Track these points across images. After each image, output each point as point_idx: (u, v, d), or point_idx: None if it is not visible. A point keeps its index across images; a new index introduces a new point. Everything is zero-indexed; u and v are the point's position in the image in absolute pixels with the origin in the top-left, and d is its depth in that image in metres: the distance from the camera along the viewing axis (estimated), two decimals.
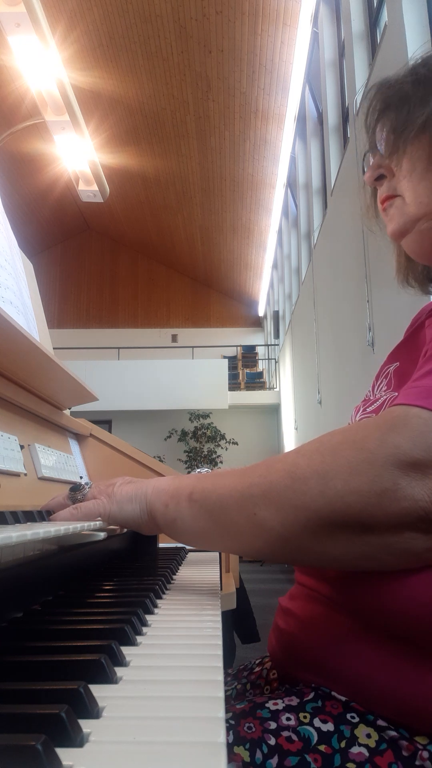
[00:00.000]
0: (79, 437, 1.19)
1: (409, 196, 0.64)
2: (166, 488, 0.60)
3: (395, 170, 0.65)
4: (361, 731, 0.50)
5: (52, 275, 16.49)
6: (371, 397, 0.71)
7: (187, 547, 1.14)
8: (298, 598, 0.64)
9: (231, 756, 0.49)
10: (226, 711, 0.55)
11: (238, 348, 15.97)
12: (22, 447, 0.76)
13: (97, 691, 0.30)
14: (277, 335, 13.36)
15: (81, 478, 1.02)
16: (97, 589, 0.63)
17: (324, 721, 0.51)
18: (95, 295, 17.04)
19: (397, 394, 0.64)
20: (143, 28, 8.99)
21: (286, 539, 0.48)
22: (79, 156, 3.38)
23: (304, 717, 0.52)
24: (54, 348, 1.15)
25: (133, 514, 0.61)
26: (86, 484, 0.69)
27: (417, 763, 0.47)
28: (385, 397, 0.66)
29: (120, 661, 0.36)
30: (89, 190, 3.64)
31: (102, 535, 0.68)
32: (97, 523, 0.63)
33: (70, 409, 1.16)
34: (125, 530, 0.82)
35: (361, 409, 0.70)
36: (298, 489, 0.47)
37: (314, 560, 0.52)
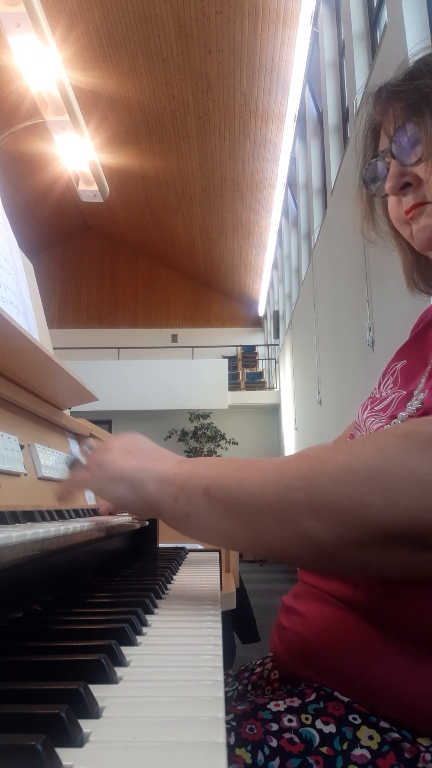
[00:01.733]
0: (79, 437, 1.19)
1: None
2: (171, 477, 0.53)
3: (424, 178, 0.62)
4: (364, 733, 0.49)
5: (52, 275, 16.49)
6: (377, 395, 0.71)
7: (188, 547, 1.14)
8: (302, 596, 0.64)
9: (233, 758, 0.49)
10: (228, 712, 0.55)
11: (238, 348, 15.96)
12: (22, 447, 0.76)
13: (97, 691, 0.30)
14: (277, 335, 13.35)
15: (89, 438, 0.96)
16: (97, 589, 0.63)
17: (326, 723, 0.51)
18: (95, 295, 17.04)
19: (405, 392, 0.64)
20: (143, 28, 8.99)
21: (334, 552, 0.44)
22: (79, 156, 3.38)
23: (306, 718, 0.52)
24: (54, 348, 1.15)
25: (121, 496, 0.55)
26: (88, 447, 0.64)
27: (419, 765, 0.47)
28: (392, 395, 0.66)
29: (120, 661, 0.36)
30: (89, 190, 3.64)
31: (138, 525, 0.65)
32: (88, 524, 0.60)
33: (70, 409, 1.16)
34: (122, 529, 0.81)
35: (369, 407, 0.70)
36: (357, 501, 0.41)
37: (357, 571, 0.50)
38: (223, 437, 12.84)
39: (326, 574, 0.59)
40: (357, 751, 0.48)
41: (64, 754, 0.23)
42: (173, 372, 12.91)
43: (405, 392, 0.64)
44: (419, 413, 0.57)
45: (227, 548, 0.54)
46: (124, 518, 0.82)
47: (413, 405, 0.59)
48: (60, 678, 0.32)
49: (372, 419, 0.66)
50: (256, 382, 14.74)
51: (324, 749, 0.48)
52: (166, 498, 0.52)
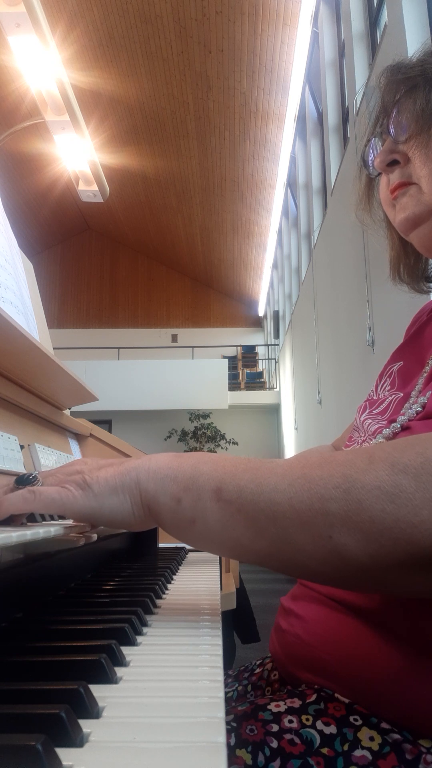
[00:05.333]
0: (79, 437, 1.19)
1: (427, 184, 0.59)
2: (172, 474, 0.46)
3: (412, 156, 0.61)
4: (364, 734, 0.49)
5: (52, 275, 16.50)
6: (375, 397, 0.71)
7: (188, 547, 1.14)
8: (301, 598, 0.64)
9: (233, 759, 0.48)
10: (228, 713, 0.54)
11: (238, 348, 15.97)
12: (22, 447, 0.76)
13: (97, 691, 0.30)
14: (277, 335, 13.35)
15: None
16: (97, 589, 0.63)
17: (327, 724, 0.51)
18: (95, 295, 17.04)
19: (402, 394, 0.64)
20: (143, 28, 8.99)
21: (368, 571, 0.39)
22: (79, 156, 3.38)
23: (307, 719, 0.51)
24: (54, 348, 1.15)
25: (121, 510, 0.46)
26: (33, 476, 0.49)
27: (421, 766, 0.47)
28: (390, 398, 0.66)
29: (120, 661, 0.36)
30: (89, 190, 3.64)
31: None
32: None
33: (70, 409, 1.16)
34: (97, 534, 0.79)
35: (367, 410, 0.69)
36: (402, 519, 0.37)
37: (388, 591, 0.46)
38: (223, 437, 12.84)
39: (344, 588, 0.54)
40: (358, 752, 0.48)
41: (64, 754, 0.23)
42: (173, 372, 12.91)
43: (402, 394, 0.64)
44: (420, 416, 0.57)
45: (237, 558, 0.46)
46: None
47: (413, 408, 0.59)
48: (60, 678, 0.32)
49: (370, 421, 0.66)
50: (256, 382, 14.74)
51: (325, 750, 0.48)
52: (167, 499, 0.45)
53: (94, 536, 0.58)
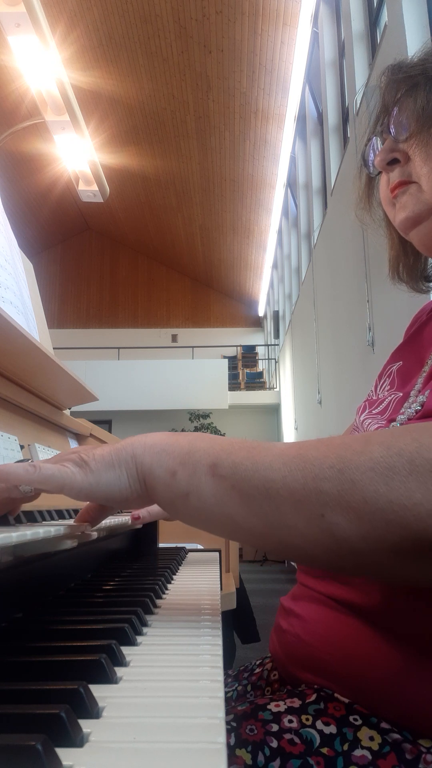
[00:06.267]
0: (79, 437, 1.19)
1: (427, 183, 0.59)
2: (168, 449, 0.46)
3: (412, 155, 0.60)
4: (364, 734, 0.49)
5: (52, 275, 16.49)
6: (374, 397, 0.71)
7: (188, 547, 1.14)
8: (301, 598, 0.64)
9: (233, 759, 0.49)
10: (228, 713, 0.54)
11: (238, 348, 15.97)
12: (22, 447, 0.76)
13: (97, 691, 0.30)
14: (277, 335, 13.35)
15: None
16: (97, 589, 0.63)
17: (326, 724, 0.51)
18: (95, 295, 17.04)
19: (401, 394, 0.64)
20: (143, 28, 8.99)
21: (360, 554, 0.39)
22: (79, 156, 3.38)
23: (307, 719, 0.51)
24: (54, 348, 1.15)
25: (118, 484, 0.46)
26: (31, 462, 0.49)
27: (420, 766, 0.47)
28: (390, 398, 0.66)
29: (120, 661, 0.36)
30: (89, 190, 3.64)
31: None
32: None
33: (70, 409, 1.16)
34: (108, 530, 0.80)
35: (367, 410, 0.69)
36: (397, 501, 0.37)
37: (379, 576, 0.46)
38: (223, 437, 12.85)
39: (338, 573, 0.54)
40: (358, 752, 0.48)
41: (64, 754, 0.23)
42: (173, 372, 12.91)
43: (401, 394, 0.64)
44: (419, 415, 0.57)
45: (228, 536, 0.47)
46: (126, 518, 0.82)
47: (412, 407, 0.59)
48: (60, 678, 0.32)
49: (369, 421, 0.66)
50: (256, 382, 14.74)
51: (325, 750, 0.48)
52: (163, 472, 0.45)
53: (94, 534, 0.58)
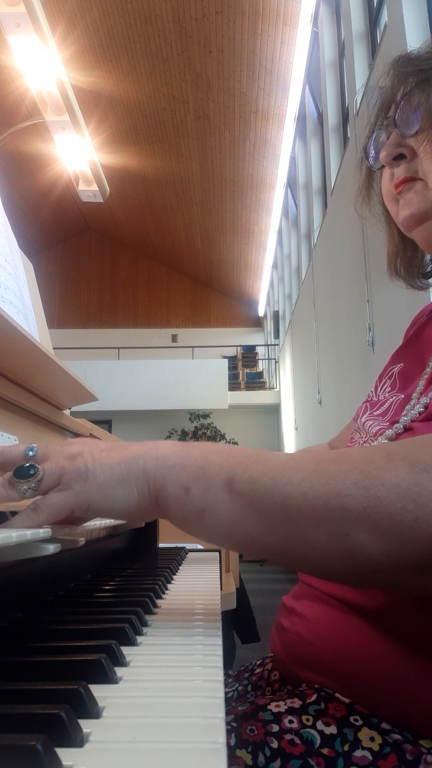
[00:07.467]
0: (79, 437, 1.19)
1: None
2: (181, 462, 0.44)
3: (419, 151, 0.59)
4: (365, 734, 0.49)
5: (52, 275, 16.49)
6: (374, 398, 0.71)
7: (188, 547, 1.14)
8: (303, 597, 0.63)
9: (233, 759, 0.48)
10: (228, 713, 0.54)
11: (238, 348, 15.97)
12: None
13: (97, 691, 0.30)
14: (277, 335, 13.35)
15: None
16: (97, 589, 0.63)
17: (327, 724, 0.50)
18: (95, 295, 17.04)
19: (403, 395, 0.64)
20: (143, 28, 8.99)
21: (383, 570, 0.38)
22: (79, 156, 3.38)
23: (307, 720, 0.51)
24: (54, 348, 1.15)
25: (126, 500, 0.44)
26: (31, 451, 0.46)
27: (421, 766, 0.47)
28: (391, 399, 0.66)
29: (120, 661, 0.36)
30: (89, 190, 3.64)
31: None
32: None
33: (70, 409, 1.16)
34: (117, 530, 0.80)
35: (368, 411, 0.69)
36: (423, 518, 0.36)
37: (397, 590, 0.44)
38: (223, 437, 12.84)
39: (355, 587, 0.54)
40: (358, 753, 0.48)
41: (64, 754, 0.23)
42: (173, 372, 12.91)
43: (403, 396, 0.64)
44: (422, 417, 0.57)
45: (245, 553, 0.45)
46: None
47: (415, 409, 0.59)
48: (60, 678, 0.32)
49: (371, 422, 0.66)
50: (256, 382, 14.74)
51: (325, 750, 0.48)
52: (176, 489, 0.43)
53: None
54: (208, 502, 0.42)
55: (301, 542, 0.40)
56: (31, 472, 0.44)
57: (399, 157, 0.61)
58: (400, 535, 0.37)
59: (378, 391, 0.71)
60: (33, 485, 0.44)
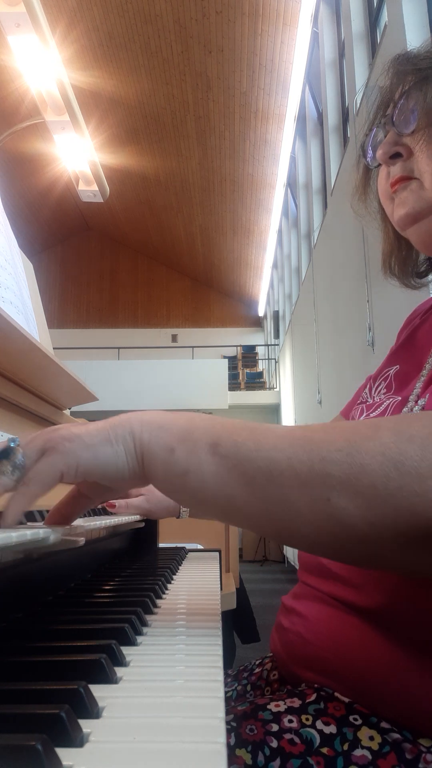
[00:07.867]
0: None
1: (430, 181, 0.58)
2: (166, 425, 0.44)
3: (416, 150, 0.59)
4: (364, 734, 0.49)
5: (52, 275, 16.49)
6: (368, 400, 0.71)
7: (188, 547, 1.14)
8: (303, 597, 0.64)
9: (233, 758, 0.49)
10: (228, 713, 0.55)
11: (238, 348, 15.96)
12: None
13: (97, 691, 0.30)
14: (277, 335, 13.35)
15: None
16: (97, 589, 0.63)
17: (326, 724, 0.51)
18: (95, 295, 17.04)
19: (400, 397, 0.64)
20: (143, 28, 8.98)
21: (366, 541, 0.38)
22: (79, 156, 3.38)
23: (307, 719, 0.51)
24: (54, 348, 1.15)
25: (116, 460, 0.43)
26: (12, 442, 0.44)
27: (420, 765, 0.47)
28: (387, 401, 0.66)
29: (120, 661, 0.36)
30: (89, 190, 3.64)
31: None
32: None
33: (70, 409, 1.16)
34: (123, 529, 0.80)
35: (365, 413, 0.69)
36: (406, 487, 0.36)
37: (384, 565, 0.44)
38: None
39: (341, 561, 0.52)
40: (358, 752, 0.48)
41: (64, 754, 0.23)
42: (173, 372, 12.92)
43: (400, 398, 0.64)
44: None
45: (226, 519, 0.45)
46: (125, 518, 0.82)
47: (413, 410, 0.59)
48: (60, 678, 0.32)
49: None
50: (256, 382, 14.74)
51: (325, 750, 0.48)
52: (161, 449, 0.42)
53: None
54: (191, 462, 0.42)
55: (284, 507, 0.39)
56: (12, 445, 0.43)
57: (395, 156, 0.61)
58: (382, 502, 0.36)
59: (372, 392, 0.71)
60: (18, 460, 0.43)
